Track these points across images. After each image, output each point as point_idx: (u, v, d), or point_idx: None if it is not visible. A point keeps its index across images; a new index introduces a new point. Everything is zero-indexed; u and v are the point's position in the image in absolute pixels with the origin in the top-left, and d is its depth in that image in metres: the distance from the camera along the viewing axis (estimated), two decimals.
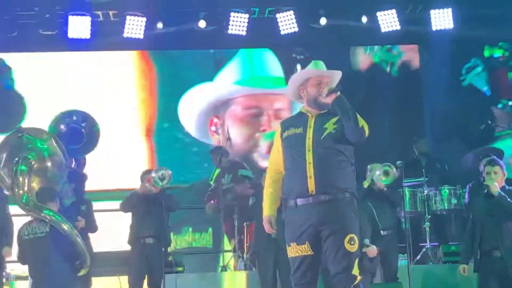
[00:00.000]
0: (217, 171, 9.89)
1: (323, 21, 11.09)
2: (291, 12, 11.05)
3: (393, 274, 8.07)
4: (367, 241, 7.53)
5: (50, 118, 9.27)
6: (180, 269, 8.88)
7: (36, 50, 11.41)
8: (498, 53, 12.30)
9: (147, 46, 11.63)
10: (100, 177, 10.47)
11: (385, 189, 8.20)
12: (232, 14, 11.00)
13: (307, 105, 4.91)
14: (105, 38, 11.08)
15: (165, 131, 11.64)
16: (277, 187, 4.88)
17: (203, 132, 11.79)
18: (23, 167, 7.01)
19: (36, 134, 7.47)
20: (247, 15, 11.02)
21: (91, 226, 8.45)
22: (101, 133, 9.48)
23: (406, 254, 8.59)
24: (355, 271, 4.58)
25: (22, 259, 7.20)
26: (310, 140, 4.72)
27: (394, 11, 11.09)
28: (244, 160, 11.14)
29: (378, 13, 11.15)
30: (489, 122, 8.89)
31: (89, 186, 9.11)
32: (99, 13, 10.93)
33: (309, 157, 4.68)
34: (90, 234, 8.43)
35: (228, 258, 9.67)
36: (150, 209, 8.22)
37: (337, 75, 4.94)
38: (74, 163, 9.28)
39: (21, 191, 6.96)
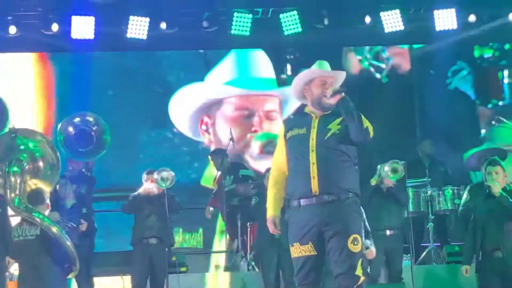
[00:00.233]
0: (218, 173, 9.87)
1: (326, 21, 11.09)
2: (295, 12, 11.05)
3: (398, 274, 8.07)
4: (368, 242, 7.52)
5: None
6: (183, 269, 8.89)
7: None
8: (488, 53, 12.30)
9: (151, 47, 11.63)
10: None
11: (393, 185, 8.16)
12: (235, 14, 11.01)
13: (311, 106, 4.90)
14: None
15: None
16: (281, 188, 4.87)
17: (195, 132, 11.78)
18: (15, 169, 6.98)
19: (29, 135, 7.45)
20: (250, 16, 11.03)
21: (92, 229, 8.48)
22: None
23: (409, 255, 8.58)
24: (359, 271, 4.58)
25: (13, 259, 7.22)
26: (314, 141, 4.72)
27: (397, 11, 11.08)
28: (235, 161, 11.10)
29: (381, 14, 11.15)
30: (493, 122, 8.87)
31: None
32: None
33: (312, 157, 4.68)
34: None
35: (225, 258, 9.67)
36: (152, 209, 8.24)
37: (342, 75, 4.94)
38: (82, 166, 9.30)
39: (13, 194, 6.94)
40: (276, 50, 12.10)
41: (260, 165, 11.26)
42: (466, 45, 11.93)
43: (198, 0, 11.14)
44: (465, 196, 8.28)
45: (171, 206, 8.28)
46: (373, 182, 8.13)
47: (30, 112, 11.50)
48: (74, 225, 8.06)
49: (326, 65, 4.93)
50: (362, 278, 4.60)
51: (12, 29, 10.58)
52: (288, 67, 12.09)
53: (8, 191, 6.94)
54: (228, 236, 9.71)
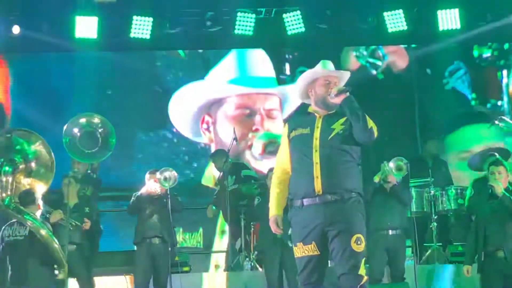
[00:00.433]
0: (220, 174, 9.87)
1: (329, 21, 11.09)
2: (298, 12, 11.06)
3: (400, 274, 8.06)
4: None
5: None
6: (186, 269, 8.90)
7: None
8: (487, 52, 12.29)
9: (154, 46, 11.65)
10: None
11: (396, 184, 8.14)
12: (238, 14, 11.01)
13: (314, 105, 4.90)
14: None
15: None
16: (284, 187, 4.88)
17: (195, 131, 11.79)
18: (7, 168, 6.97)
19: (25, 136, 7.45)
20: (253, 15, 11.03)
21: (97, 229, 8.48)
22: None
23: (412, 254, 8.58)
24: (362, 271, 4.57)
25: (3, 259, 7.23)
26: (317, 141, 4.72)
27: (401, 11, 11.09)
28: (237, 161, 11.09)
29: (385, 13, 11.15)
30: (496, 122, 8.86)
31: None
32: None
33: (316, 157, 4.68)
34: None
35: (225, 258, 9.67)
36: (155, 209, 8.24)
37: (346, 75, 4.94)
38: (88, 167, 9.31)
39: (4, 194, 6.93)
40: (278, 50, 12.10)
41: (261, 165, 11.26)
42: (465, 44, 11.94)
43: (201, 0, 11.15)
44: (469, 191, 8.29)
45: (174, 206, 8.28)
46: (377, 179, 8.10)
47: None
48: (78, 224, 8.06)
49: (330, 65, 4.93)
50: (365, 277, 4.60)
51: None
52: (287, 66, 12.09)
53: (0, 190, 6.94)
54: (230, 236, 9.70)
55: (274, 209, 4.89)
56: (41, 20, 10.81)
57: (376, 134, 4.73)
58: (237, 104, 11.92)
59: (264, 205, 6.01)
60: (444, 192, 9.31)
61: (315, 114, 4.87)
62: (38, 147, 7.21)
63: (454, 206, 9.25)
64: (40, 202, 7.09)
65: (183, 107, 11.77)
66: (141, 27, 10.90)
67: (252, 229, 9.20)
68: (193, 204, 10.16)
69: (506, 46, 12.27)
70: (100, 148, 8.48)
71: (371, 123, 4.70)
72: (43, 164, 7.13)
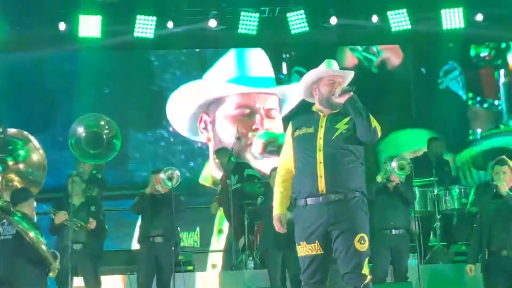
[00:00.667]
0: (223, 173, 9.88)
1: (333, 20, 11.09)
2: (302, 11, 11.05)
3: (404, 273, 8.05)
4: None
5: None
6: (190, 268, 8.91)
7: None
8: (484, 51, 12.27)
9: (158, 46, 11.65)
10: None
11: (400, 183, 8.12)
12: (242, 13, 11.01)
13: (319, 104, 4.89)
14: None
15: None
16: (288, 186, 4.87)
17: (193, 129, 11.78)
18: None
19: (16, 135, 7.44)
20: (257, 15, 11.03)
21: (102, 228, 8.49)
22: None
23: (416, 254, 8.57)
24: (365, 270, 4.57)
25: None
26: (321, 140, 4.71)
27: (404, 10, 11.08)
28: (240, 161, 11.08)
29: (388, 13, 11.14)
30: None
31: None
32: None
33: (319, 156, 4.67)
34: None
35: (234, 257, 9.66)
36: (158, 209, 8.25)
37: (350, 75, 4.94)
38: (93, 167, 9.32)
39: None
40: (280, 49, 12.09)
41: (261, 165, 11.26)
42: (464, 44, 11.93)
43: None
44: (471, 196, 8.27)
45: (177, 205, 8.28)
46: (379, 178, 8.09)
47: None
48: (83, 224, 8.07)
49: (335, 64, 4.93)
50: (369, 277, 4.59)
51: None
52: (284, 65, 12.08)
53: None
54: (233, 235, 9.70)
55: (277, 208, 4.88)
56: (41, 19, 10.81)
57: (379, 133, 4.73)
58: (237, 104, 11.92)
59: (267, 205, 6.02)
60: (447, 191, 9.31)
61: (320, 113, 4.86)
62: (29, 146, 7.21)
63: (457, 206, 9.25)
64: (33, 200, 7.03)
65: (181, 106, 11.78)
66: (145, 26, 10.89)
67: (255, 228, 9.20)
68: (190, 203, 10.11)
69: (503, 45, 12.25)
70: (105, 149, 8.50)
71: (374, 123, 4.70)
72: (33, 164, 7.13)
